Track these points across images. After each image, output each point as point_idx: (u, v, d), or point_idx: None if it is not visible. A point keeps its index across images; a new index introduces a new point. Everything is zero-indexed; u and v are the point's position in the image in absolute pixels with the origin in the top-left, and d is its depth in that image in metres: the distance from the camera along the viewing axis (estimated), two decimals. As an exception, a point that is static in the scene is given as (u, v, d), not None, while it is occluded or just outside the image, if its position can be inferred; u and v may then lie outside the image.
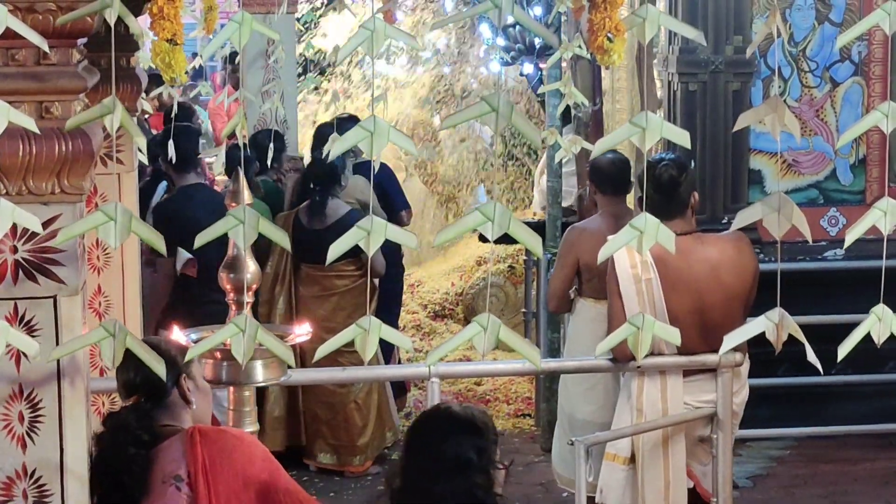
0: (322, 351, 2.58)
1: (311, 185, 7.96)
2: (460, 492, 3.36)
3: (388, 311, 8.76)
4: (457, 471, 3.37)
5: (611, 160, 6.92)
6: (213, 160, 5.34)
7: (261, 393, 7.92)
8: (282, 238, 2.64)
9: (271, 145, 7.81)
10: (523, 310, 9.87)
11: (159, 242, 2.62)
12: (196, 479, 3.55)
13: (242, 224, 2.52)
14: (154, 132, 10.27)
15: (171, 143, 6.32)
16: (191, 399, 3.75)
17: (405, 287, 10.02)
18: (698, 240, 5.82)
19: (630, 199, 7.31)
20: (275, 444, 8.17)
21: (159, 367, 2.70)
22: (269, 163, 8.58)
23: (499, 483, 3.47)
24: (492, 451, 3.44)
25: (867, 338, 2.59)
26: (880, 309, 2.54)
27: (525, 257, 10.42)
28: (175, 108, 6.33)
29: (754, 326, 2.53)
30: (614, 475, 5.97)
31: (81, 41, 3.05)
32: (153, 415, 3.68)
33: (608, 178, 6.91)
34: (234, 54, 10.53)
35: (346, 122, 7.72)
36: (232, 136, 3.52)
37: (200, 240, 2.59)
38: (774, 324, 2.50)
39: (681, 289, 5.73)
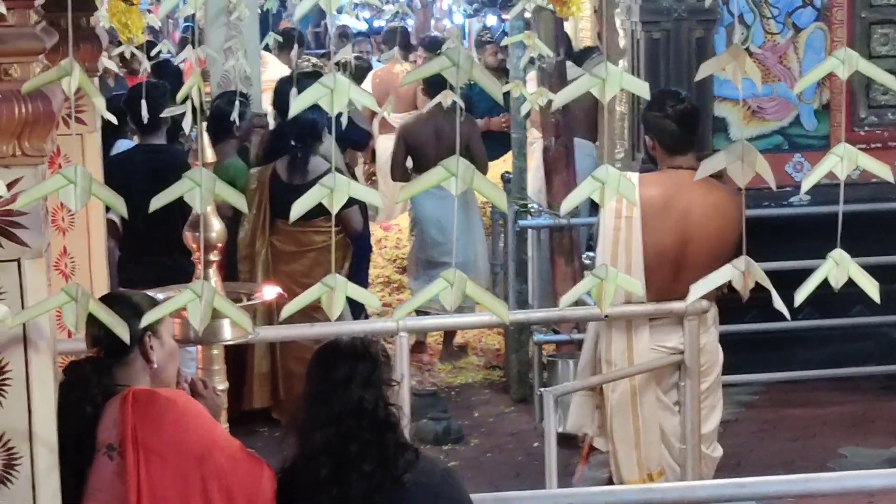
0: (289, 310, 2.56)
1: (293, 142, 7.92)
2: (350, 405, 3.70)
3: (359, 270, 8.75)
4: (344, 387, 3.71)
5: None
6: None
7: (248, 349, 7.91)
8: (239, 201, 2.61)
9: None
10: (492, 262, 9.86)
11: (120, 205, 2.59)
12: (125, 448, 3.49)
13: (199, 186, 2.48)
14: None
15: (143, 103, 6.17)
16: (152, 358, 3.68)
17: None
18: (705, 179, 5.80)
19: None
20: (263, 401, 8.17)
21: (122, 331, 2.67)
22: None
23: (392, 398, 3.82)
24: (380, 370, 3.78)
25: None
26: (838, 253, 2.54)
27: (492, 209, 10.40)
28: (147, 67, 6.20)
29: (720, 275, 2.53)
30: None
31: (39, 2, 3.02)
32: (112, 371, 3.63)
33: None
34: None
35: (307, 78, 7.67)
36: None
37: (156, 203, 2.55)
38: (741, 272, 2.51)
39: (671, 221, 5.72)
